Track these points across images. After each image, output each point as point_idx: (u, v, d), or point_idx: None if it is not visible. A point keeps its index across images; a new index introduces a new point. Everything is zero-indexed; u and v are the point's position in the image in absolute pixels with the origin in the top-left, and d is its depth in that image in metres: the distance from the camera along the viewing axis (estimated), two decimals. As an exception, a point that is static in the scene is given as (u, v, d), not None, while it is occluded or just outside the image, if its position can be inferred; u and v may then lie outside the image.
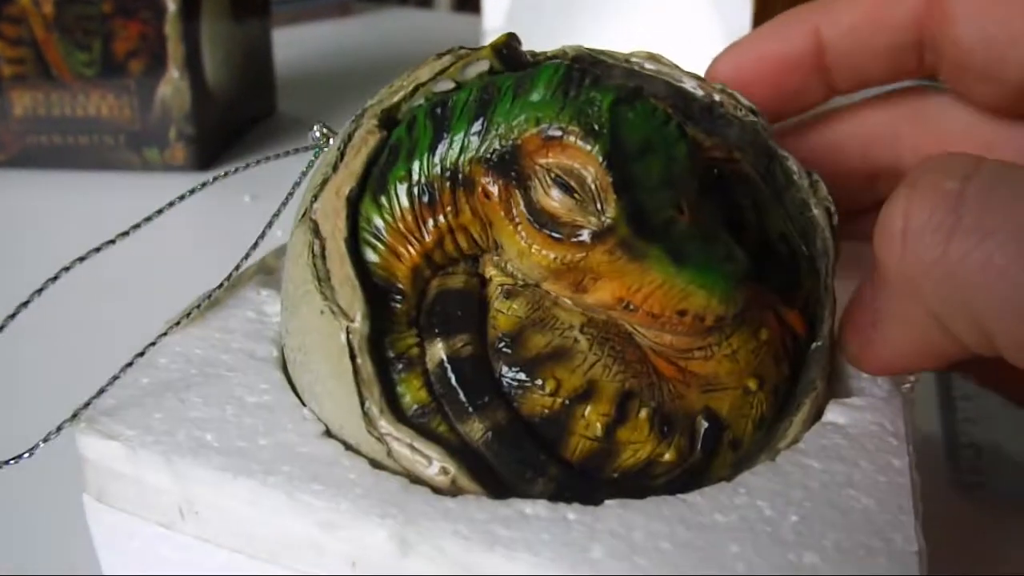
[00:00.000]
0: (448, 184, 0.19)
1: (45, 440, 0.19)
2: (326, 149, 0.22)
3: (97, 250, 0.19)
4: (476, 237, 0.19)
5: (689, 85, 0.22)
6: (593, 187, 0.18)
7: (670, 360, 0.19)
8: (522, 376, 0.19)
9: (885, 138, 0.24)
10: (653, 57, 0.22)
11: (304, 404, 0.20)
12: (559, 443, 0.18)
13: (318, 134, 0.22)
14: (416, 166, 0.19)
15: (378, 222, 0.19)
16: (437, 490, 0.18)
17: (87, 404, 0.19)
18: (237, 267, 0.22)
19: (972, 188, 0.17)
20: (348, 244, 0.19)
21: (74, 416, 0.19)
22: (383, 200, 0.19)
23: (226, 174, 0.21)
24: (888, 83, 0.24)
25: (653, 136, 0.18)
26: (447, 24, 0.93)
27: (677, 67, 0.22)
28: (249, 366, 0.21)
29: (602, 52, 0.22)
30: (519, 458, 0.18)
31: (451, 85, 0.20)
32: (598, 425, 0.18)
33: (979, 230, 0.16)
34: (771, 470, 0.18)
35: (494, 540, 0.16)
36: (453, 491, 0.18)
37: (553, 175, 0.18)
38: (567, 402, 0.18)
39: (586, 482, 0.18)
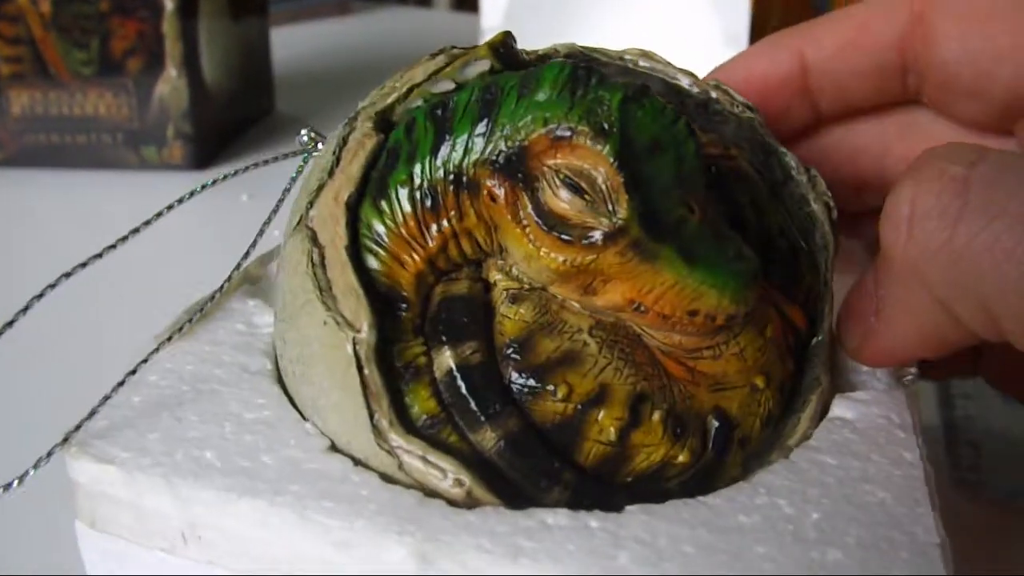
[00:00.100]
0: (452, 187, 0.18)
1: (36, 467, 0.18)
2: (316, 153, 0.21)
3: (99, 256, 0.19)
4: (480, 241, 0.19)
5: (684, 82, 0.22)
6: (604, 188, 0.17)
7: (679, 360, 0.19)
8: (533, 382, 0.18)
9: (873, 149, 0.24)
10: (646, 54, 0.22)
11: (304, 418, 0.19)
12: (572, 449, 0.18)
13: (306, 138, 0.21)
14: (417, 169, 0.19)
15: (379, 228, 0.19)
16: (453, 503, 0.17)
17: (78, 427, 0.18)
18: (230, 277, 0.21)
19: (977, 174, 0.17)
20: (349, 252, 0.18)
21: (65, 440, 0.18)
22: (384, 205, 0.19)
23: (226, 177, 0.20)
24: (872, 107, 0.24)
25: (662, 134, 0.17)
26: (446, 23, 0.93)
27: (670, 64, 0.22)
28: (243, 380, 0.20)
29: (594, 50, 0.22)
30: (533, 466, 0.18)
31: (450, 86, 0.19)
32: (612, 430, 0.18)
33: (985, 213, 0.16)
34: (787, 468, 0.18)
35: (518, 552, 0.16)
36: (469, 503, 0.17)
37: (562, 176, 0.17)
38: (580, 407, 0.18)
39: (601, 488, 0.18)
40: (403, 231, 0.19)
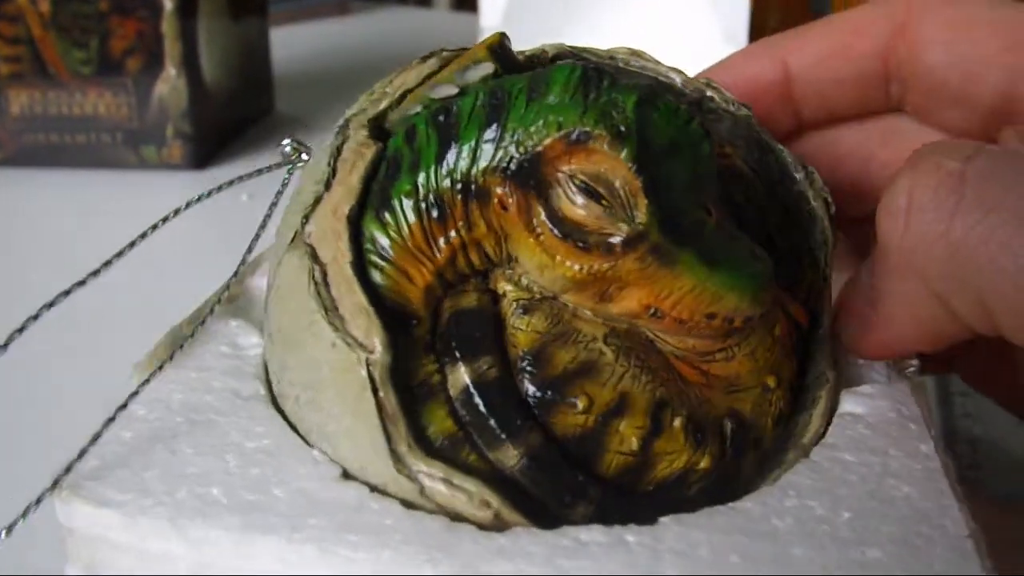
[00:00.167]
0: (460, 197, 0.18)
1: (24, 515, 0.16)
2: (301, 165, 0.20)
3: (95, 273, 0.17)
4: (489, 252, 0.18)
5: (676, 81, 0.21)
6: (622, 192, 0.17)
7: (692, 364, 0.19)
8: (551, 395, 0.18)
9: (856, 157, 0.24)
10: (636, 53, 0.22)
11: (309, 445, 0.18)
12: (593, 461, 0.18)
13: (288, 149, 0.20)
14: (422, 179, 0.18)
15: (384, 241, 0.18)
16: (480, 526, 0.16)
17: (68, 469, 0.17)
18: (219, 301, 0.20)
19: (974, 168, 0.17)
20: (355, 268, 0.17)
21: (55, 484, 0.17)
22: (387, 217, 0.18)
23: (231, 183, 0.19)
24: (855, 116, 0.24)
25: (678, 136, 0.17)
26: (445, 23, 0.92)
27: (660, 63, 0.22)
28: (238, 407, 0.19)
29: (584, 49, 0.21)
30: (558, 482, 0.17)
31: (452, 90, 0.18)
32: (634, 439, 0.18)
33: (982, 206, 0.16)
34: (810, 468, 0.18)
35: (558, 573, 0.15)
36: (497, 525, 0.17)
37: (578, 182, 0.17)
38: (600, 418, 0.18)
39: (625, 499, 0.18)
40: (409, 244, 0.18)
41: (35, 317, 0.17)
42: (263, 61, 0.58)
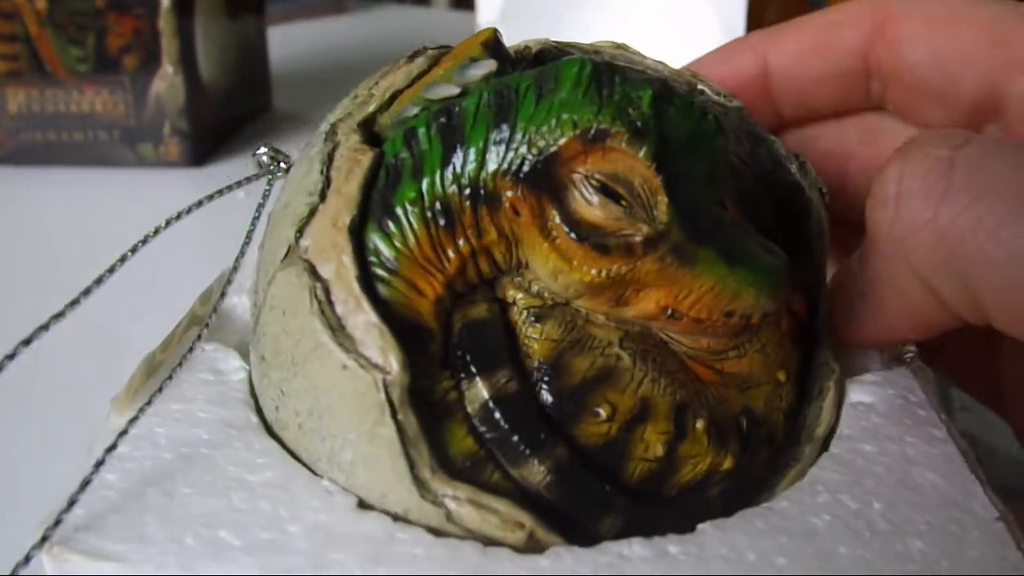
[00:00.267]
0: (468, 202, 0.17)
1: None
2: (280, 175, 0.19)
3: (99, 281, 0.16)
4: (499, 259, 0.17)
5: (664, 74, 0.21)
6: (642, 192, 0.16)
7: (706, 364, 0.18)
8: (572, 405, 0.17)
9: (836, 155, 0.24)
10: (620, 47, 0.21)
11: (316, 474, 0.17)
12: (617, 471, 0.17)
13: (266, 158, 0.19)
14: (426, 185, 0.17)
15: (388, 252, 0.17)
16: (515, 549, 0.16)
17: (58, 522, 0.15)
18: (223, 292, 0.19)
19: (962, 156, 0.17)
20: (362, 283, 0.16)
21: (44, 539, 0.15)
22: (391, 227, 0.17)
23: (231, 188, 0.18)
24: (835, 114, 0.24)
25: (695, 131, 0.17)
26: (443, 21, 0.91)
27: (645, 57, 0.21)
28: (231, 438, 0.18)
29: (568, 44, 0.21)
30: (585, 496, 0.17)
31: (453, 90, 0.17)
32: (659, 445, 0.17)
33: (969, 193, 0.17)
34: (833, 461, 0.18)
35: (609, 593, 0.15)
36: (532, 546, 0.16)
37: (595, 182, 0.16)
38: (624, 426, 0.17)
39: (653, 508, 0.17)
40: (417, 254, 0.17)
41: (58, 315, 0.15)
42: (260, 59, 0.58)
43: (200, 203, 0.17)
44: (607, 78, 0.16)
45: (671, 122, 0.16)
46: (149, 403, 0.18)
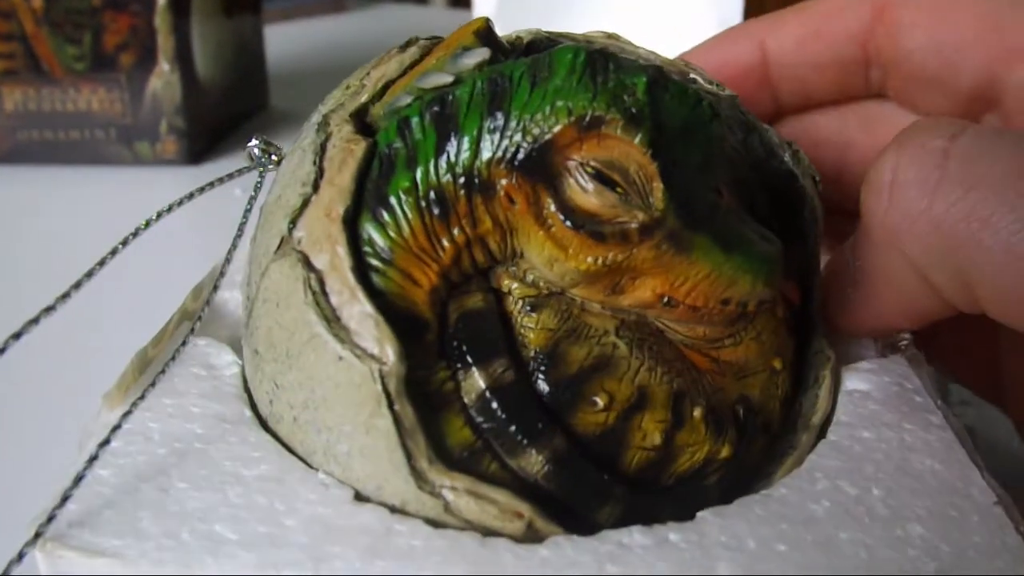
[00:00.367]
0: (463, 191, 0.17)
1: (6, 573, 0.14)
2: (272, 167, 0.19)
3: (90, 275, 0.16)
4: (494, 248, 0.17)
5: (657, 62, 0.21)
6: (638, 179, 0.16)
7: (702, 352, 0.18)
8: (569, 394, 0.17)
9: (835, 142, 0.24)
10: (611, 36, 0.21)
11: (311, 467, 0.17)
12: (615, 460, 0.17)
13: (257, 151, 0.19)
14: (420, 174, 0.17)
15: (383, 243, 0.17)
16: (514, 539, 0.16)
17: (51, 518, 0.15)
18: (216, 286, 0.18)
19: (957, 146, 0.17)
20: (357, 274, 0.16)
21: (37, 535, 0.15)
22: (385, 216, 0.17)
23: (222, 180, 0.17)
24: (834, 100, 0.24)
25: (690, 118, 0.16)
26: (442, 19, 0.91)
27: (637, 46, 0.21)
28: (226, 432, 0.18)
29: (560, 34, 0.20)
30: (584, 485, 0.17)
31: (446, 79, 0.17)
32: (656, 434, 0.17)
33: (963, 183, 0.17)
34: (832, 448, 0.18)
35: (611, 581, 0.15)
36: (531, 536, 0.16)
37: (590, 169, 0.16)
38: (622, 414, 0.17)
39: (650, 496, 0.17)
40: (411, 244, 0.17)
41: (49, 308, 0.15)
42: (257, 57, 0.57)
43: (191, 195, 0.17)
44: (601, 65, 0.16)
45: (666, 109, 0.16)
46: (142, 398, 0.17)
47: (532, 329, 0.17)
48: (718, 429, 0.18)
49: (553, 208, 0.16)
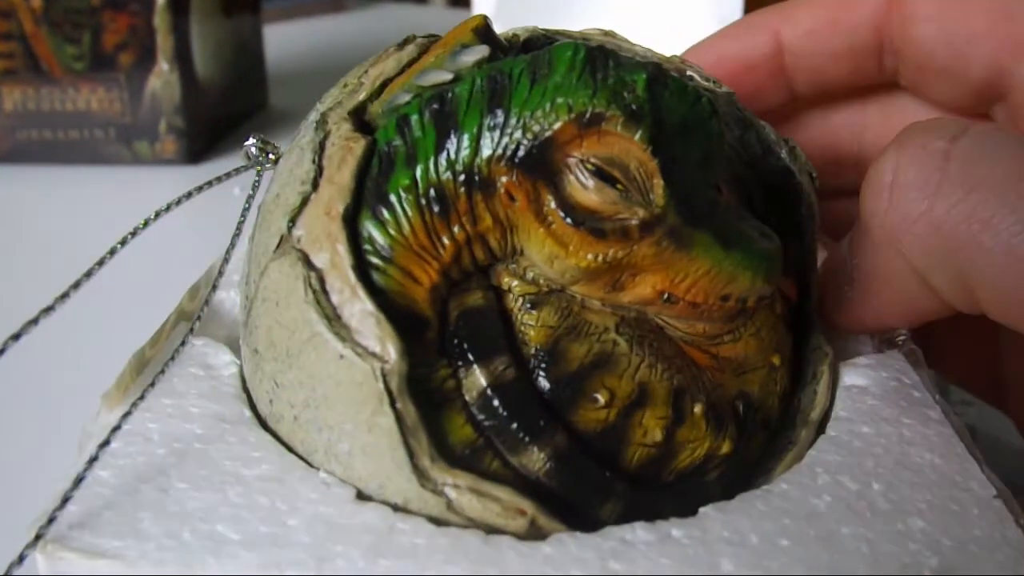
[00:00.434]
0: (463, 189, 0.17)
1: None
2: (270, 166, 0.19)
3: (88, 275, 0.15)
4: (494, 246, 0.17)
5: (654, 59, 0.21)
6: (638, 175, 0.16)
7: (702, 349, 0.18)
8: (570, 391, 0.17)
9: (850, 130, 0.24)
10: (608, 34, 0.21)
11: (311, 466, 0.17)
12: (616, 456, 0.17)
13: (255, 149, 0.19)
14: (420, 172, 0.17)
15: (383, 240, 0.17)
16: (517, 536, 0.16)
17: (51, 520, 0.15)
18: (214, 286, 0.18)
19: (958, 147, 0.17)
20: (357, 272, 0.16)
21: (37, 537, 0.15)
22: (385, 214, 0.17)
23: (220, 179, 0.17)
24: (847, 88, 0.24)
25: (689, 114, 0.17)
26: (441, 19, 0.91)
27: (633, 44, 0.21)
28: (225, 432, 0.18)
29: (557, 32, 0.21)
30: (585, 482, 0.17)
31: (445, 76, 0.17)
32: (657, 430, 0.17)
33: (964, 185, 0.17)
34: (832, 443, 0.18)
35: (615, 577, 0.15)
36: (534, 533, 0.16)
37: (590, 166, 0.16)
38: (623, 411, 0.17)
39: (651, 493, 0.17)
40: (412, 242, 0.17)
41: (48, 309, 0.15)
42: (256, 56, 0.57)
43: (189, 195, 0.17)
44: (601, 62, 0.16)
45: (666, 105, 0.16)
46: (141, 398, 0.17)
47: (532, 326, 0.17)
48: (718, 425, 0.18)
49: (553, 205, 0.16)
